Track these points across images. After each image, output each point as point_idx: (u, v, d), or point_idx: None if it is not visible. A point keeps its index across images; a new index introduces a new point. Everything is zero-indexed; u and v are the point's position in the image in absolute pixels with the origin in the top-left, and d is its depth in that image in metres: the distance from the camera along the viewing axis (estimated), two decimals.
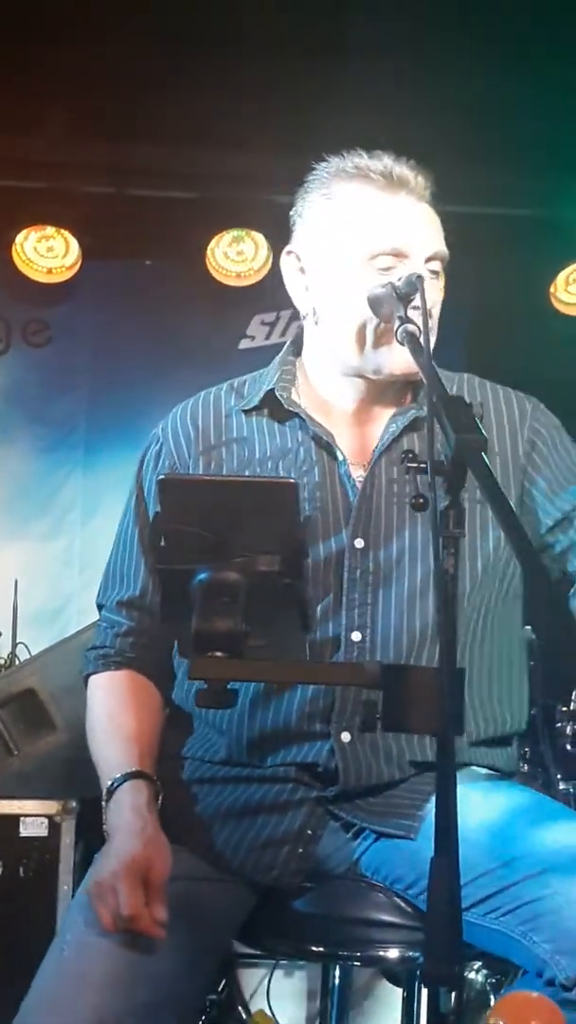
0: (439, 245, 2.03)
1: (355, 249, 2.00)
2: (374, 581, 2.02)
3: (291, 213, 2.13)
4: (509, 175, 4.53)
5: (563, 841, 1.80)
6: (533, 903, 1.75)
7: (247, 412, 2.14)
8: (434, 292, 1.97)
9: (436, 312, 2.03)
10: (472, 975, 3.22)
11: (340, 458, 2.07)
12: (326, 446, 2.08)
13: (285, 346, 2.19)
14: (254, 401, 2.14)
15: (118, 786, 1.94)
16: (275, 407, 2.12)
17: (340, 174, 2.04)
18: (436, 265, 2.02)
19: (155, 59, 4.14)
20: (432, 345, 2.03)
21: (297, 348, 2.18)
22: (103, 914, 1.79)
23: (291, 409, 2.10)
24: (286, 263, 2.12)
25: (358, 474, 2.07)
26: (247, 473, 2.09)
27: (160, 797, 1.96)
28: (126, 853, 1.83)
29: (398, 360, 1.99)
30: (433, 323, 2.00)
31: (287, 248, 2.13)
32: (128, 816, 1.90)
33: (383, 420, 2.09)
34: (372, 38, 4.04)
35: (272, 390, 2.12)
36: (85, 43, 3.99)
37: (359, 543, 2.03)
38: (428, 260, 2.01)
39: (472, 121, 4.17)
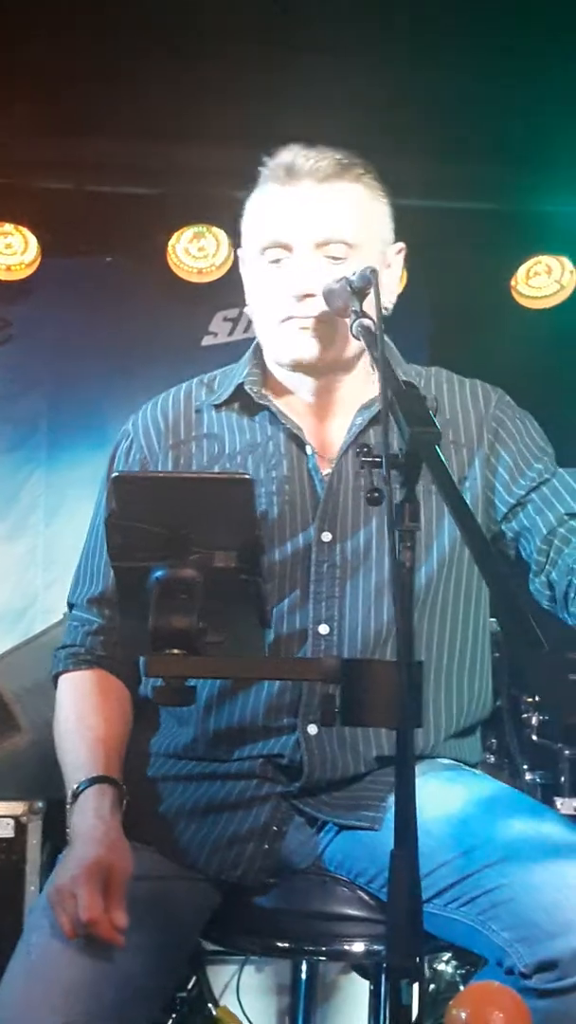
0: (331, 229, 2.01)
1: (251, 244, 2.09)
2: (341, 575, 2.03)
3: None
4: (470, 169, 4.53)
5: (522, 830, 1.81)
6: (491, 892, 1.76)
7: (217, 407, 2.15)
8: (329, 278, 1.95)
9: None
10: (441, 966, 3.24)
11: (309, 452, 2.09)
12: (295, 439, 2.09)
13: (254, 342, 2.20)
14: (224, 395, 2.15)
15: (83, 790, 1.94)
16: (245, 401, 2.13)
17: (262, 175, 2.09)
18: (334, 250, 2.01)
19: (113, 52, 4.12)
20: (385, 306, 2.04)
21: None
22: (63, 920, 1.78)
23: (261, 403, 2.11)
24: (242, 268, 2.17)
25: (325, 468, 2.08)
26: (216, 468, 2.09)
27: (125, 801, 1.96)
28: (87, 858, 1.82)
29: (295, 349, 2.03)
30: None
31: (238, 251, 2.18)
32: (91, 821, 1.89)
33: (349, 414, 2.10)
34: (330, 31, 4.03)
35: (242, 384, 2.13)
36: (41, 37, 3.96)
37: (326, 537, 2.04)
38: (321, 246, 2.01)
39: (433, 115, 4.17)
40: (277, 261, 2.04)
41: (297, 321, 2.00)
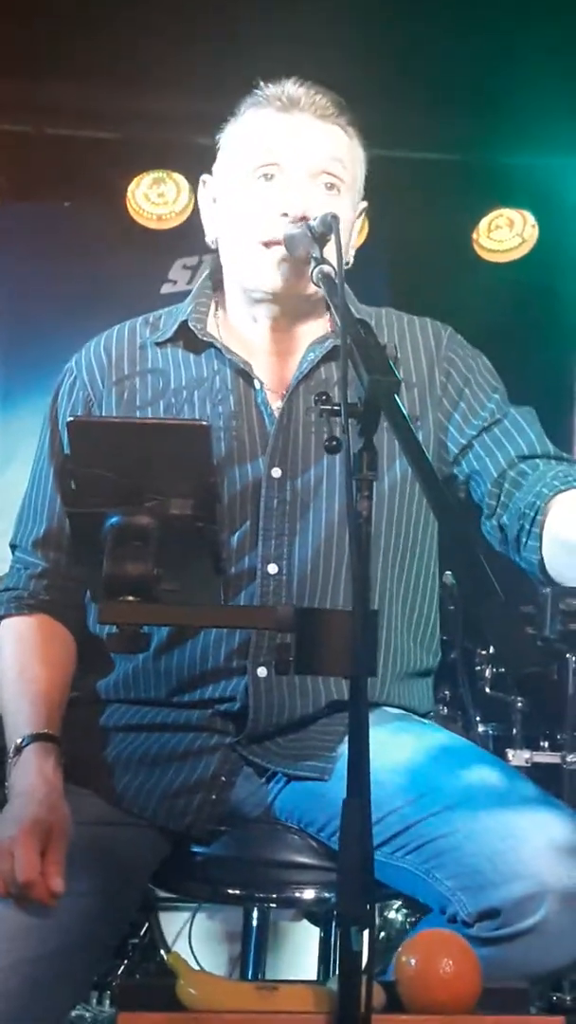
0: (329, 160, 2.02)
1: (244, 163, 2.04)
2: (291, 511, 2.02)
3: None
4: (433, 119, 4.51)
5: (468, 779, 1.81)
6: (436, 840, 1.77)
7: (160, 344, 2.13)
8: (331, 208, 1.92)
9: (344, 236, 2.00)
10: (391, 914, 3.28)
11: (257, 387, 2.06)
12: (243, 374, 2.07)
13: (201, 278, 2.18)
14: (168, 333, 2.13)
15: (26, 745, 1.92)
16: (189, 338, 2.11)
17: (250, 103, 2.07)
18: (329, 179, 2.02)
19: None
20: (345, 259, 2.04)
21: (215, 282, 2.16)
22: None
23: (205, 339, 2.09)
24: (202, 193, 2.15)
25: (276, 403, 2.06)
26: (161, 403, 2.08)
27: (63, 762, 1.94)
28: (26, 818, 1.80)
29: (272, 278, 2.00)
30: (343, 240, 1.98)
31: (203, 178, 2.15)
32: (33, 780, 1.87)
33: (301, 351, 2.09)
34: None
35: (186, 321, 2.10)
36: None
37: (276, 472, 2.03)
38: (320, 173, 2.01)
39: (397, 64, 4.14)
40: (269, 178, 2.01)
41: (281, 249, 1.96)
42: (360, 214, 2.14)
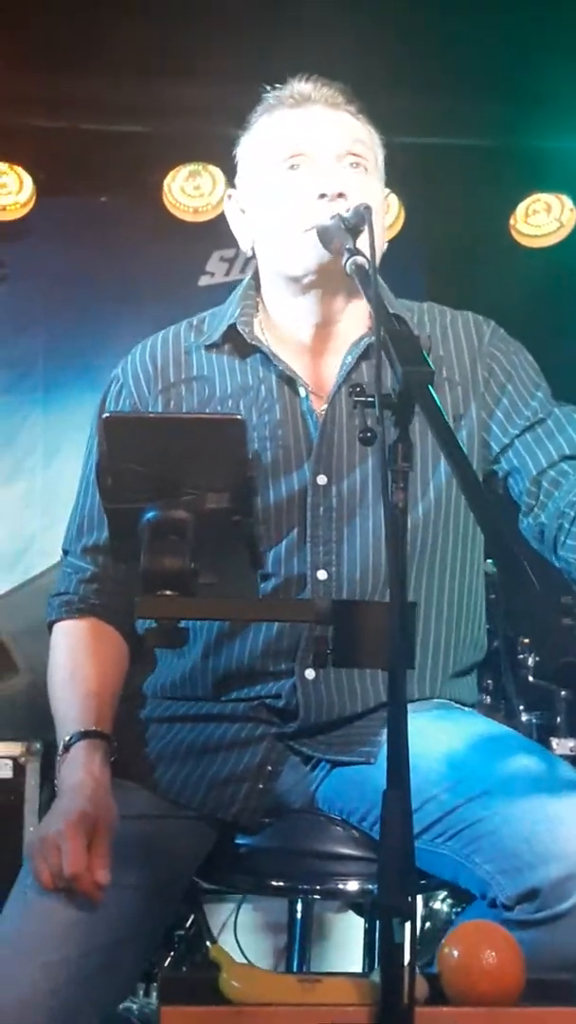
0: (351, 141, 2.04)
1: (269, 162, 2.05)
2: (338, 517, 2.02)
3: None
4: (467, 105, 4.47)
5: (506, 764, 1.82)
6: (474, 825, 1.77)
7: (208, 348, 2.13)
8: (363, 186, 1.99)
9: (378, 216, 1.99)
10: (437, 905, 3.27)
11: (302, 394, 2.06)
12: (288, 381, 2.07)
13: (244, 281, 2.17)
14: (215, 337, 2.12)
15: (75, 742, 1.94)
16: (237, 342, 2.11)
17: (261, 111, 2.10)
18: (355, 158, 2.04)
19: None
20: (379, 245, 2.03)
21: (257, 283, 2.16)
22: (43, 870, 1.78)
23: (253, 343, 2.08)
24: (228, 207, 2.16)
25: (320, 407, 2.06)
26: (207, 411, 2.07)
27: (113, 757, 1.95)
28: (73, 812, 1.82)
29: (314, 255, 1.98)
30: (377, 227, 1.98)
31: (227, 192, 2.16)
32: (80, 775, 1.89)
33: (342, 351, 2.08)
34: None
35: (234, 325, 2.10)
36: None
37: (321, 479, 2.02)
38: (345, 155, 2.03)
39: (430, 50, 4.11)
40: (296, 167, 2.03)
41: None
42: (385, 197, 2.14)
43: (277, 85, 2.10)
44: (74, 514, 2.18)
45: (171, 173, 4.65)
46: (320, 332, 2.08)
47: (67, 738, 1.95)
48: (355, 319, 2.09)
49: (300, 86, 2.07)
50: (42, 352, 4.90)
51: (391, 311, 2.06)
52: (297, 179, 2.01)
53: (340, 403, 2.05)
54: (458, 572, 2.08)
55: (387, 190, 2.15)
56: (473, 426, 2.08)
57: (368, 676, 2.00)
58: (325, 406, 2.05)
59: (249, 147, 2.11)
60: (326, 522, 2.02)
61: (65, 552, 2.19)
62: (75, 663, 2.06)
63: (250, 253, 2.13)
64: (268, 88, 2.10)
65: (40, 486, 4.84)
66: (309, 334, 2.09)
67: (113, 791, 1.89)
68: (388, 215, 2.16)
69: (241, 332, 2.09)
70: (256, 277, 2.16)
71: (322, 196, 1.95)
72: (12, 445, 4.89)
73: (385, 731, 1.90)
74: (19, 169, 4.57)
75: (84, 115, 4.53)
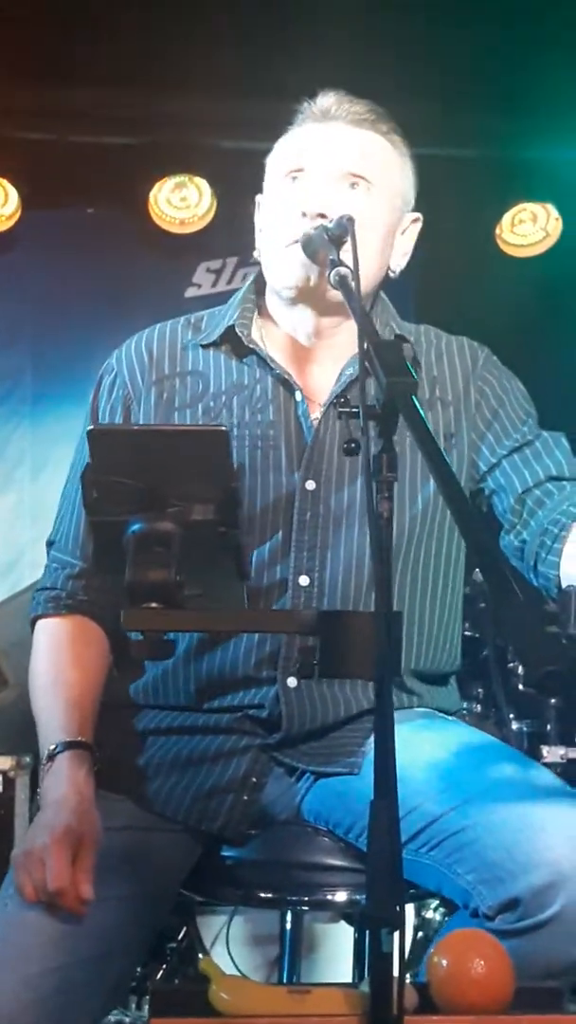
0: (353, 161, 2.03)
1: (277, 173, 2.07)
2: (324, 525, 2.02)
3: None
4: (453, 114, 4.49)
5: (487, 773, 1.82)
6: (456, 835, 1.77)
7: (204, 347, 2.12)
8: (354, 205, 1.97)
9: (372, 236, 2.01)
10: (429, 914, 3.27)
11: (298, 398, 2.06)
12: (284, 384, 2.07)
13: (246, 285, 2.18)
14: (213, 336, 2.12)
15: (59, 753, 1.93)
16: (234, 344, 2.10)
17: (296, 120, 2.10)
18: (353, 179, 2.02)
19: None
20: (373, 274, 2.05)
21: (259, 288, 2.16)
22: (26, 884, 1.78)
23: (250, 346, 2.08)
24: (256, 214, 2.15)
25: (315, 414, 2.06)
26: (200, 407, 2.07)
27: (97, 767, 1.94)
28: (58, 827, 1.81)
29: (297, 273, 1.99)
30: (370, 247, 2.00)
31: (256, 198, 2.15)
32: (65, 789, 1.88)
33: (340, 362, 2.08)
34: None
35: (232, 326, 2.10)
36: None
37: (310, 485, 2.02)
38: (344, 175, 2.02)
39: (417, 60, 4.13)
40: (294, 179, 2.03)
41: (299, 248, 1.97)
42: (408, 225, 2.13)
43: (311, 97, 2.09)
44: (62, 505, 2.16)
45: (157, 185, 4.65)
46: (318, 342, 2.09)
47: (51, 747, 1.94)
48: (355, 331, 2.08)
49: (324, 100, 2.07)
50: (29, 364, 4.90)
51: (397, 332, 2.11)
52: (289, 193, 2.02)
53: (334, 412, 2.04)
54: (440, 582, 2.09)
55: (415, 214, 2.14)
56: (464, 447, 2.09)
57: (349, 684, 2.00)
58: (319, 414, 2.05)
59: (271, 156, 2.12)
60: (312, 528, 2.01)
61: (50, 544, 2.15)
62: (58, 667, 2.04)
63: (258, 256, 2.12)
64: (307, 100, 2.09)
65: (28, 498, 4.84)
66: (308, 342, 2.09)
67: (97, 803, 1.89)
68: (405, 237, 2.13)
69: (239, 334, 2.09)
70: (258, 283, 2.17)
71: (303, 215, 1.96)
72: (1, 457, 4.89)
73: (368, 741, 1.92)
74: (4, 181, 4.58)
75: (70, 127, 4.54)
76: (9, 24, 4.00)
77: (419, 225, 2.14)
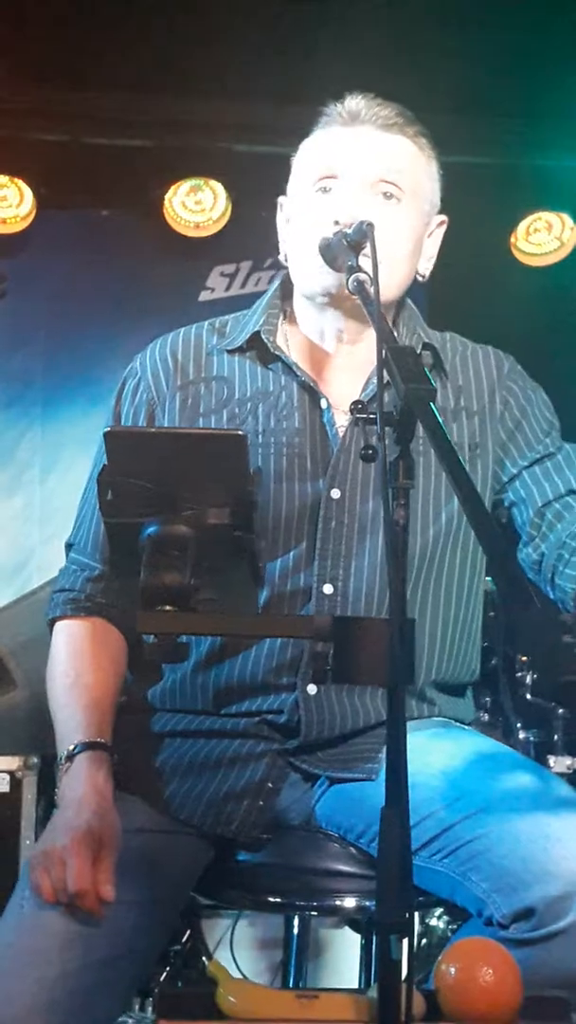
0: (386, 168, 2.02)
1: (302, 177, 2.05)
2: (348, 534, 2.01)
3: None
4: (468, 122, 4.49)
5: (503, 782, 1.82)
6: (471, 843, 1.77)
7: (230, 352, 2.11)
8: (387, 217, 1.96)
9: (401, 246, 2.02)
10: (434, 921, 3.27)
11: (324, 406, 2.05)
12: (310, 392, 2.06)
13: (271, 290, 2.17)
14: (238, 341, 2.11)
15: (78, 753, 1.92)
16: (261, 350, 2.09)
17: (321, 123, 2.08)
18: (388, 188, 2.02)
19: (111, 1, 4.08)
20: (400, 282, 2.05)
21: (284, 293, 2.16)
22: (44, 884, 1.77)
23: (276, 353, 2.08)
24: (279, 216, 2.14)
25: (341, 421, 2.05)
26: (225, 413, 2.07)
27: (115, 760, 1.94)
28: (79, 827, 1.81)
29: (329, 278, 1.98)
30: (397, 255, 2.01)
31: (279, 200, 2.15)
32: (85, 789, 1.87)
33: (366, 369, 2.07)
34: None
35: (258, 332, 2.09)
36: None
37: (335, 494, 2.02)
38: (375, 183, 2.01)
39: (432, 68, 4.13)
40: (327, 190, 2.02)
41: None
42: (434, 228, 2.13)
43: (336, 99, 2.08)
44: (84, 509, 2.15)
45: (172, 188, 4.66)
46: (344, 348, 2.08)
47: (70, 748, 1.93)
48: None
49: (354, 103, 2.05)
50: (41, 367, 4.90)
51: (425, 340, 2.11)
52: (322, 203, 2.01)
53: (363, 421, 2.04)
54: (464, 596, 2.09)
55: (441, 216, 2.13)
56: (488, 457, 2.09)
57: (369, 693, 2.00)
58: (346, 422, 2.04)
59: (298, 159, 2.11)
60: (336, 537, 2.01)
61: (69, 546, 2.15)
62: (77, 670, 2.03)
63: (285, 262, 2.12)
64: (331, 101, 2.08)
65: (38, 501, 4.85)
66: (334, 348, 2.09)
67: (115, 803, 1.88)
68: (431, 240, 2.13)
69: (265, 340, 2.08)
70: (284, 288, 2.16)
71: (336, 223, 1.94)
72: (10, 460, 4.89)
73: (384, 747, 1.91)
74: (20, 182, 4.58)
75: (86, 129, 4.55)
76: (26, 26, 4.01)
77: (444, 227, 2.14)
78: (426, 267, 2.12)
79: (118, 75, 4.29)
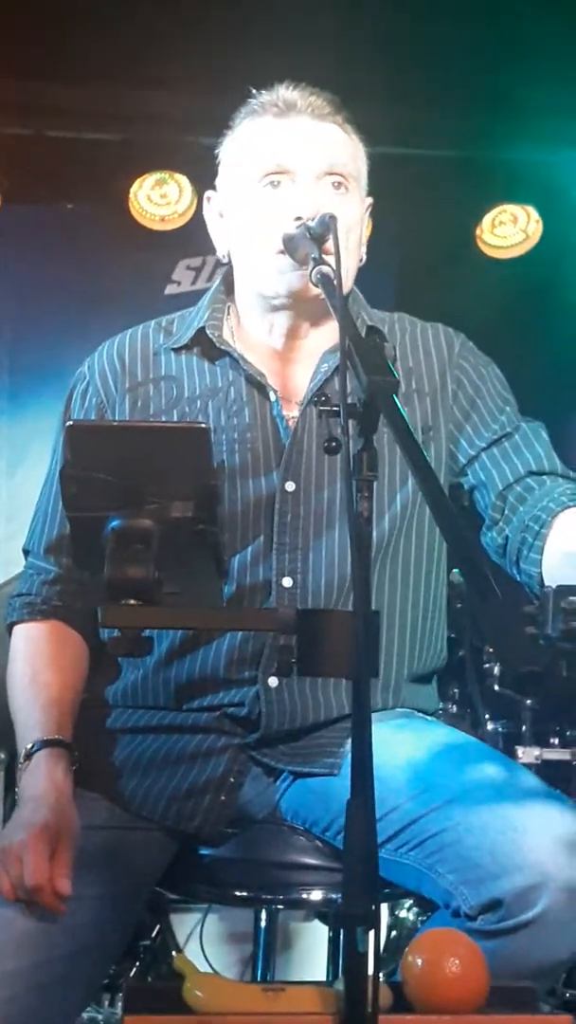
0: (333, 160, 2.01)
1: (249, 173, 2.02)
2: (305, 525, 2.01)
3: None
4: (435, 115, 4.50)
5: (469, 774, 1.82)
6: (437, 835, 1.77)
7: (176, 350, 2.11)
8: (341, 208, 1.95)
9: (354, 234, 2.02)
10: (403, 913, 3.28)
11: (273, 399, 2.05)
12: (258, 386, 2.05)
13: (214, 285, 2.16)
14: (184, 339, 2.10)
15: (36, 751, 1.92)
16: (206, 346, 2.09)
17: (245, 113, 2.07)
18: (337, 179, 2.01)
19: None
20: (352, 269, 2.05)
21: (228, 287, 2.15)
22: (3, 882, 1.77)
23: (222, 348, 2.07)
24: (207, 209, 2.13)
25: (291, 413, 2.05)
26: (175, 412, 2.06)
27: (75, 765, 1.94)
28: (36, 823, 1.80)
29: (290, 280, 1.98)
30: (351, 245, 2.01)
31: (207, 194, 2.13)
32: (43, 785, 1.87)
33: (315, 359, 2.07)
34: None
35: (203, 328, 2.08)
36: None
37: (290, 486, 2.01)
38: (325, 175, 2.00)
39: (396, 60, 4.13)
40: (277, 185, 2.00)
41: None
42: (367, 209, 2.12)
43: (260, 90, 2.05)
44: (36, 513, 2.16)
45: (138, 181, 4.65)
46: (292, 343, 2.08)
47: (29, 746, 1.93)
48: (330, 329, 2.07)
49: (287, 94, 2.03)
50: (7, 360, 4.88)
51: (369, 323, 2.09)
52: (275, 198, 1.99)
53: (312, 411, 2.03)
54: (422, 582, 2.09)
55: (369, 199, 2.12)
56: (442, 439, 2.08)
57: (332, 686, 2.00)
58: (296, 413, 2.05)
59: (231, 152, 2.08)
60: (293, 529, 2.01)
61: (26, 552, 2.16)
62: (35, 669, 2.04)
63: (225, 259, 2.11)
64: (255, 92, 2.06)
65: (4, 496, 4.83)
66: (281, 345, 2.08)
67: (75, 801, 1.88)
68: (365, 223, 2.13)
69: (210, 336, 2.08)
70: (226, 282, 2.15)
71: (298, 219, 1.93)
72: None
73: (349, 742, 1.91)
74: None
75: (51, 122, 4.53)
76: None
77: (371, 207, 2.14)
78: (362, 251, 2.12)
79: (84, 69, 4.27)
